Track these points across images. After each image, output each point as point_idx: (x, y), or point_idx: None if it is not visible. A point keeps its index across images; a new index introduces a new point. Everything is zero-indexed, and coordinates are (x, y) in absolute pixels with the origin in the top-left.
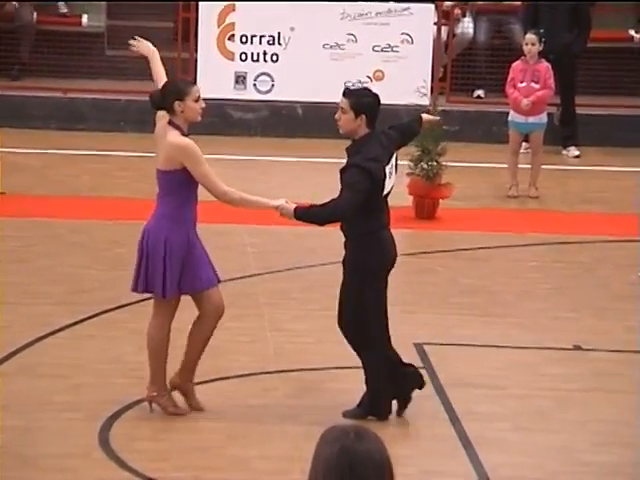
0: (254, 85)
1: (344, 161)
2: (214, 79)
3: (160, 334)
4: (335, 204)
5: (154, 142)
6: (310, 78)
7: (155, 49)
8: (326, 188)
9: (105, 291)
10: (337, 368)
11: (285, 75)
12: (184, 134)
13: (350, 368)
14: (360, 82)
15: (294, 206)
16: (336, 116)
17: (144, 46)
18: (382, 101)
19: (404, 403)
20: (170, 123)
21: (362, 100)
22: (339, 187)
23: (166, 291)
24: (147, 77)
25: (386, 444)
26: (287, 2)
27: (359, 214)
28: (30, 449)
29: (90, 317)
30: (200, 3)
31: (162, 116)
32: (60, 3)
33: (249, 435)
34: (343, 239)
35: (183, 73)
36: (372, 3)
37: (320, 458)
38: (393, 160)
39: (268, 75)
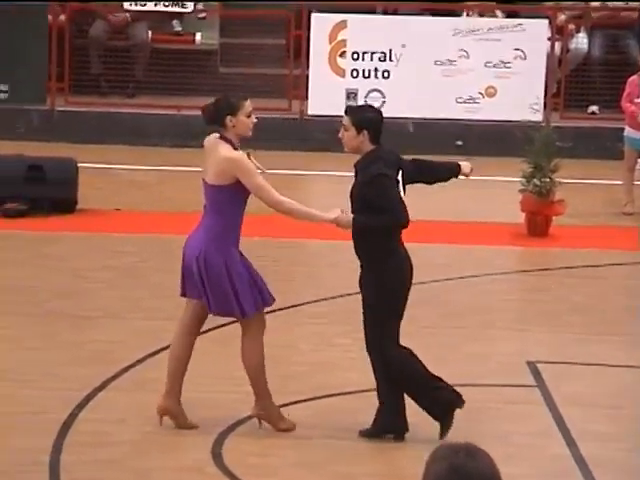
0: (365, 101)
1: (458, 178)
2: (325, 96)
3: (254, 353)
4: (388, 213)
5: (203, 156)
6: (421, 94)
7: None
8: (438, 204)
9: None
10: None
11: (396, 91)
12: (235, 148)
13: (461, 386)
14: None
15: (351, 215)
16: (339, 134)
17: None
18: (494, 117)
19: (445, 425)
20: (222, 137)
21: (363, 116)
22: (351, 204)
23: (245, 310)
24: (260, 94)
25: (498, 463)
26: (399, 17)
27: (375, 234)
28: (145, 463)
29: (202, 332)
30: (312, 20)
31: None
32: (174, 22)
33: (358, 452)
34: (447, 256)
35: (294, 90)
36: (484, 19)
37: (430, 476)
38: (400, 180)
39: (379, 91)
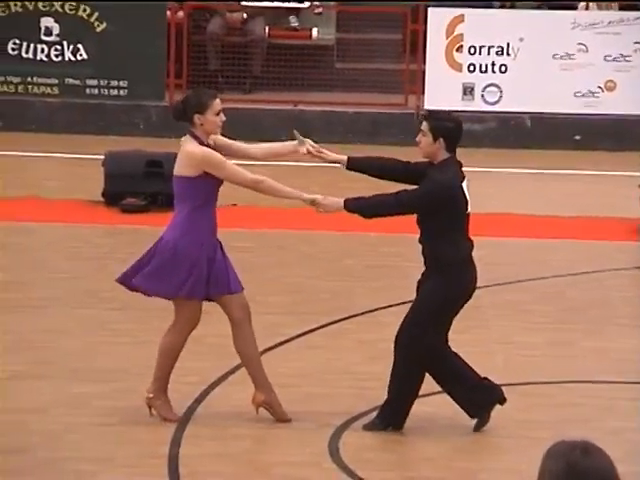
0: (482, 96)
1: (577, 172)
2: (442, 90)
3: (178, 342)
4: (388, 198)
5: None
6: (539, 89)
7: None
8: (556, 199)
9: (333, 301)
10: (566, 382)
11: (514, 86)
12: (202, 144)
13: (580, 382)
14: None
15: (342, 199)
16: (417, 138)
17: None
18: (613, 111)
19: (481, 420)
20: (190, 134)
21: (441, 124)
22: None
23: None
24: (376, 89)
25: (615, 460)
26: (517, 11)
27: (446, 243)
28: (262, 457)
29: (319, 327)
30: (429, 14)
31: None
32: (291, 17)
33: (477, 448)
34: (567, 252)
35: (411, 84)
36: (604, 12)
37: (546, 473)
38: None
39: (496, 86)
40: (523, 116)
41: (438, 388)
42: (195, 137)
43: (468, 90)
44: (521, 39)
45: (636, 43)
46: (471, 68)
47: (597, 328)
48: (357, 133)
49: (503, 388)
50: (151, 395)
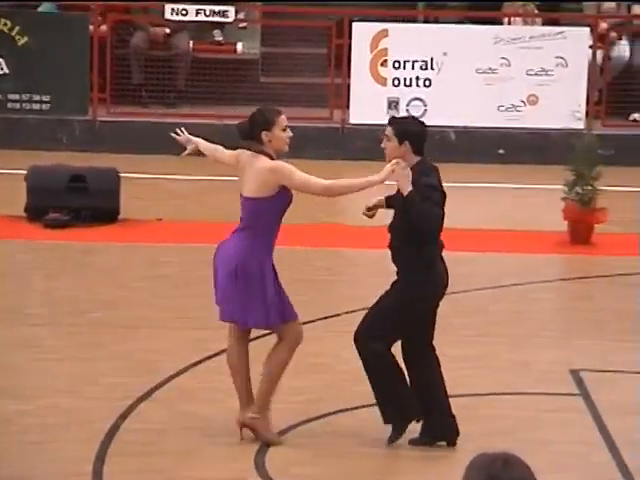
0: (407, 110)
1: (501, 186)
2: (367, 105)
3: (280, 362)
4: (427, 212)
5: (238, 172)
6: (463, 103)
7: (197, 140)
8: (480, 213)
9: None
10: (490, 394)
11: (438, 100)
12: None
13: (505, 394)
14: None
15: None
16: (382, 144)
17: (186, 140)
18: (536, 125)
19: (397, 433)
20: (259, 152)
21: (405, 127)
22: (395, 213)
23: (270, 320)
24: (301, 104)
25: (541, 471)
26: (440, 26)
27: (413, 246)
28: (187, 473)
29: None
30: (353, 29)
31: (241, 151)
32: (215, 31)
33: (403, 462)
34: (490, 265)
35: (336, 99)
36: (525, 27)
37: None
38: None
39: (421, 100)
40: (447, 130)
41: (368, 402)
42: (265, 154)
43: (393, 104)
44: (445, 53)
45: (557, 57)
46: (395, 82)
47: (522, 341)
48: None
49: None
50: (256, 416)
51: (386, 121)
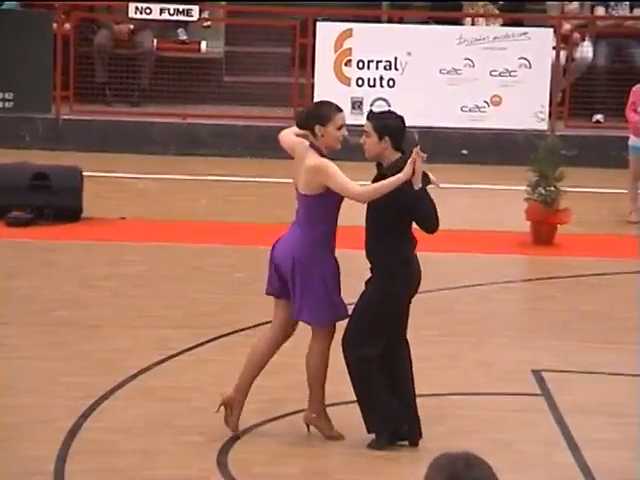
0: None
1: (464, 186)
2: None
3: (319, 360)
4: (430, 209)
5: (293, 166)
6: (427, 103)
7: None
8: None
9: (224, 315)
10: (454, 394)
11: (401, 100)
12: (322, 156)
13: (467, 394)
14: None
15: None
16: (361, 140)
17: None
18: (499, 126)
19: (379, 443)
20: (311, 145)
21: (385, 122)
22: (372, 211)
23: (323, 320)
24: (265, 103)
25: (502, 471)
26: (404, 26)
27: (387, 246)
28: (150, 472)
29: (209, 341)
30: (317, 29)
31: (301, 141)
32: (179, 30)
33: (366, 460)
34: (454, 265)
35: (300, 98)
36: (489, 27)
37: None
38: None
39: (384, 100)
40: (411, 130)
41: (332, 402)
42: (316, 149)
43: (357, 104)
44: (409, 53)
45: (521, 58)
46: (359, 82)
47: (484, 341)
48: (246, 147)
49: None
50: (314, 415)
51: (350, 122)
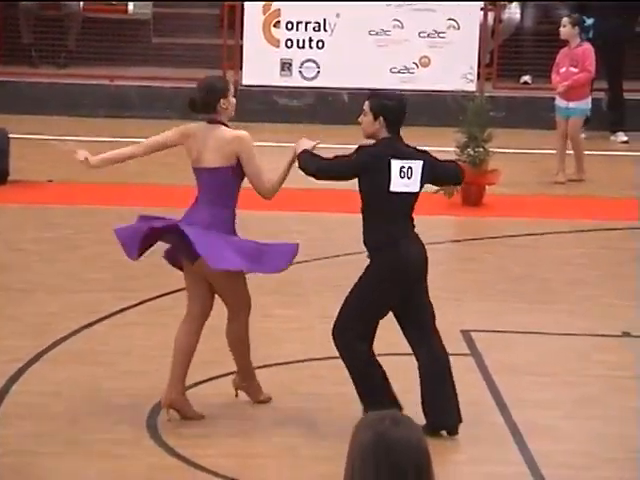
0: (300, 72)
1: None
2: (260, 66)
3: (241, 329)
4: (326, 164)
5: (191, 145)
6: (356, 64)
7: (88, 157)
8: None
9: (152, 278)
10: (383, 355)
11: (331, 62)
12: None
13: (396, 355)
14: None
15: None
16: (359, 119)
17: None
18: (428, 87)
19: None
20: (216, 122)
21: (382, 102)
22: None
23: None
24: (193, 65)
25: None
26: None
27: (371, 227)
28: (81, 435)
29: (138, 304)
30: None
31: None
32: None
33: (296, 422)
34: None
35: (228, 60)
36: None
37: (356, 444)
38: (415, 169)
39: (314, 62)
40: (341, 92)
41: (260, 363)
42: (222, 123)
43: (286, 66)
44: (338, 15)
45: (449, 20)
46: (289, 44)
47: None
48: (176, 109)
49: (323, 362)
50: (244, 384)
51: (279, 83)
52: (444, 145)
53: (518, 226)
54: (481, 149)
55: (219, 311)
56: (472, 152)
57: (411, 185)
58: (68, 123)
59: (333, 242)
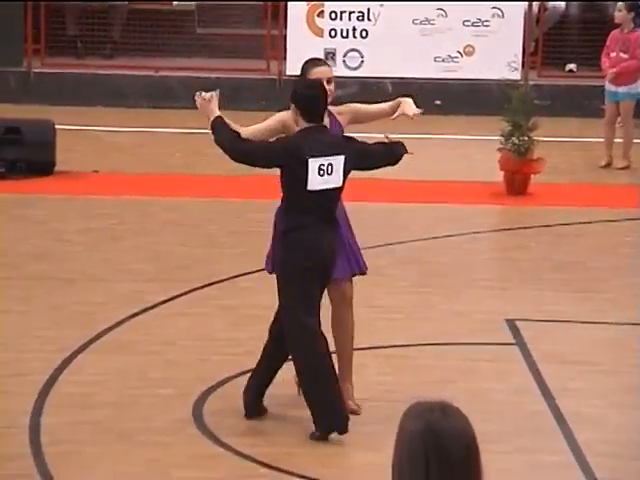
0: (343, 61)
1: (438, 137)
2: (304, 56)
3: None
4: (237, 141)
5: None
6: (399, 54)
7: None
8: (417, 164)
9: (197, 268)
10: (427, 344)
11: (374, 51)
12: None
13: (441, 344)
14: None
15: (216, 115)
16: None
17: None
18: (472, 76)
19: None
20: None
21: (293, 90)
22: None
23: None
24: (237, 55)
25: (477, 420)
26: None
27: (283, 211)
28: (126, 425)
29: (182, 294)
30: None
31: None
32: None
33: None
34: (427, 216)
35: (272, 50)
36: None
37: (404, 434)
38: (336, 165)
39: (357, 51)
40: (384, 81)
41: None
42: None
43: (330, 55)
44: (381, 4)
45: (494, 8)
46: (332, 33)
47: (456, 291)
48: (220, 99)
49: (367, 352)
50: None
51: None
52: (488, 134)
53: (563, 215)
54: (526, 138)
55: (264, 300)
56: (517, 141)
57: (332, 181)
58: (113, 114)
59: (376, 231)
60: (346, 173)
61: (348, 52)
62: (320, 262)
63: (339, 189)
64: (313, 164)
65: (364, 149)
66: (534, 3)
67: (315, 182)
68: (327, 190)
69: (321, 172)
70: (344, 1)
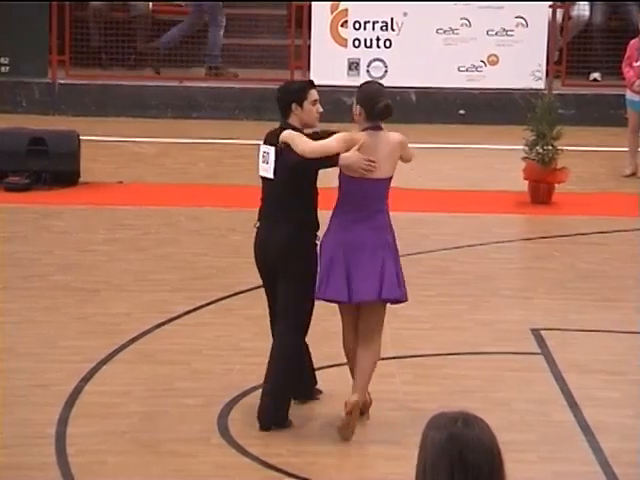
0: (367, 71)
1: (462, 147)
2: (327, 66)
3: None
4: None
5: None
6: (423, 63)
7: None
8: (442, 173)
9: (221, 278)
10: (453, 354)
11: (398, 61)
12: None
13: (466, 354)
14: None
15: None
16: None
17: None
18: (496, 85)
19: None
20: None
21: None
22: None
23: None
24: (261, 65)
25: (501, 430)
26: None
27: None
28: (151, 434)
29: (207, 304)
30: None
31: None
32: None
33: (366, 421)
34: (451, 226)
35: (296, 60)
36: None
37: (428, 444)
38: (270, 159)
39: (381, 61)
40: (408, 91)
41: (333, 362)
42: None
43: (353, 65)
44: (405, 14)
45: (517, 17)
46: (356, 43)
47: (482, 300)
48: (243, 109)
49: (392, 361)
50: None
51: (346, 83)
52: (512, 144)
53: (587, 224)
54: (550, 147)
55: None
56: (541, 150)
57: (268, 171)
58: (137, 124)
59: (401, 240)
60: (278, 168)
61: (372, 62)
62: (261, 259)
63: (276, 181)
64: (261, 149)
65: (287, 152)
66: (558, 12)
67: (260, 168)
68: (267, 179)
69: (263, 159)
70: (367, 1)
